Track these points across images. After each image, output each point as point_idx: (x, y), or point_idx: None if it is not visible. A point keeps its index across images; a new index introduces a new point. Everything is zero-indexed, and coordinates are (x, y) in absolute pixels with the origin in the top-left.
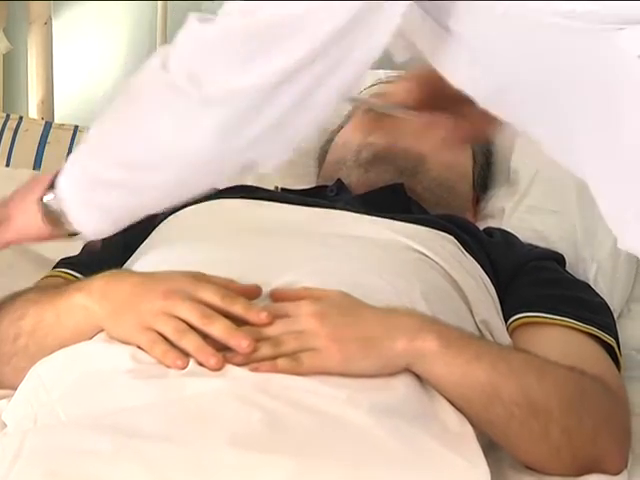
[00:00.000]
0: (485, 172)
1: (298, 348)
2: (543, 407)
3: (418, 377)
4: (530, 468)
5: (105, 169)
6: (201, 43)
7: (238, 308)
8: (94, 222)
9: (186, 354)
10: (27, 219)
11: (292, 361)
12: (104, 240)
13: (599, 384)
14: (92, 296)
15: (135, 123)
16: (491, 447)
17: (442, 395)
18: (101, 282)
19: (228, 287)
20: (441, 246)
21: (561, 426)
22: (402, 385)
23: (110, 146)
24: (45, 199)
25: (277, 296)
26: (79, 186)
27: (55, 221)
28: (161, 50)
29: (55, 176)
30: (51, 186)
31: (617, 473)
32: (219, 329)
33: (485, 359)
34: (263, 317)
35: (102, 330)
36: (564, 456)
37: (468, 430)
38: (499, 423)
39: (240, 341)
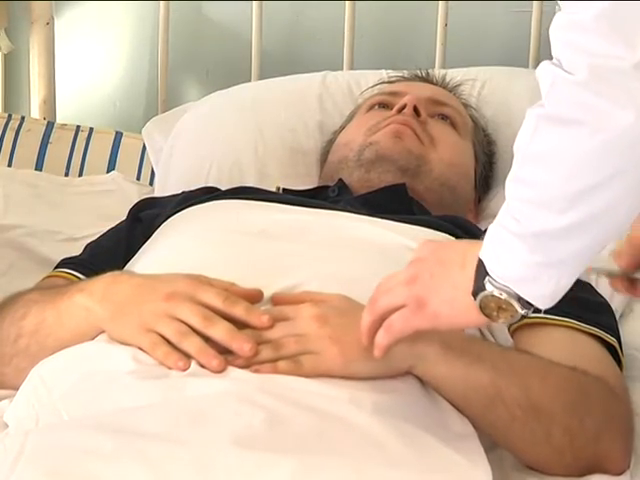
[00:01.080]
0: (487, 172)
1: (299, 351)
2: (545, 408)
3: (420, 379)
4: (532, 468)
5: (553, 219)
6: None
7: (239, 311)
8: (551, 285)
9: (188, 356)
10: (455, 312)
11: (293, 363)
12: (106, 241)
13: (601, 384)
14: (93, 297)
15: (574, 144)
16: (493, 447)
17: (444, 397)
18: (102, 283)
19: (229, 290)
20: None
21: (563, 427)
22: (404, 386)
23: (554, 189)
24: (485, 293)
25: (278, 300)
26: (524, 255)
27: (495, 312)
28: (547, 67)
29: (479, 267)
30: (480, 278)
31: (620, 473)
32: (220, 332)
33: (487, 361)
34: (264, 320)
35: (103, 331)
36: (566, 457)
37: (470, 430)
38: (501, 424)
39: (242, 344)
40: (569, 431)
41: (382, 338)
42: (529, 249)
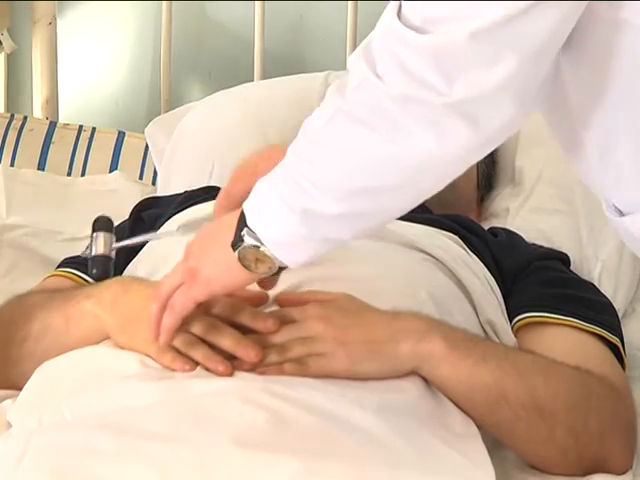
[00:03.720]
0: (490, 171)
1: (305, 353)
2: (549, 408)
3: (424, 379)
4: (535, 468)
5: (328, 204)
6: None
7: (245, 317)
8: (309, 254)
9: (194, 362)
10: (220, 270)
11: (299, 365)
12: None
13: (605, 384)
14: (102, 305)
15: (367, 146)
16: (496, 447)
17: (448, 397)
18: (112, 292)
19: (235, 295)
20: (446, 246)
21: (567, 427)
22: (408, 386)
23: (335, 179)
24: (243, 245)
25: (282, 301)
26: (290, 225)
27: (253, 264)
28: (358, 63)
29: (241, 220)
30: (240, 229)
31: (623, 473)
32: (226, 340)
33: (491, 361)
34: (270, 325)
35: (109, 337)
36: (570, 456)
37: (473, 431)
38: (505, 424)
39: (248, 351)
40: (573, 431)
41: (167, 320)
42: (297, 221)
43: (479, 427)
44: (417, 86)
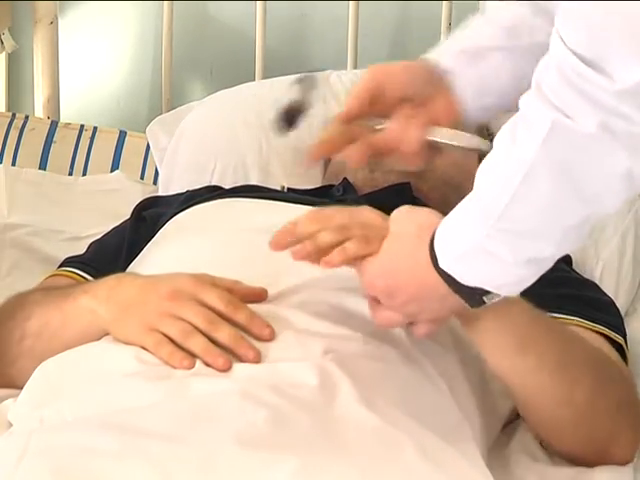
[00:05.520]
0: None
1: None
2: (571, 369)
3: (422, 371)
4: (544, 441)
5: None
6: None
7: (242, 317)
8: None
9: (192, 355)
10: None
11: (364, 243)
12: (110, 240)
13: (619, 369)
14: (98, 299)
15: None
16: (498, 445)
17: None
18: (107, 286)
19: (234, 289)
20: None
21: (587, 393)
22: (409, 383)
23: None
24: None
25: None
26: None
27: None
28: (539, 106)
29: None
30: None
31: (624, 463)
32: (224, 337)
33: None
34: (266, 333)
35: (108, 333)
36: (582, 428)
37: (467, 429)
38: (529, 373)
39: (247, 351)
40: (591, 399)
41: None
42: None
43: (498, 374)
44: (613, 119)
